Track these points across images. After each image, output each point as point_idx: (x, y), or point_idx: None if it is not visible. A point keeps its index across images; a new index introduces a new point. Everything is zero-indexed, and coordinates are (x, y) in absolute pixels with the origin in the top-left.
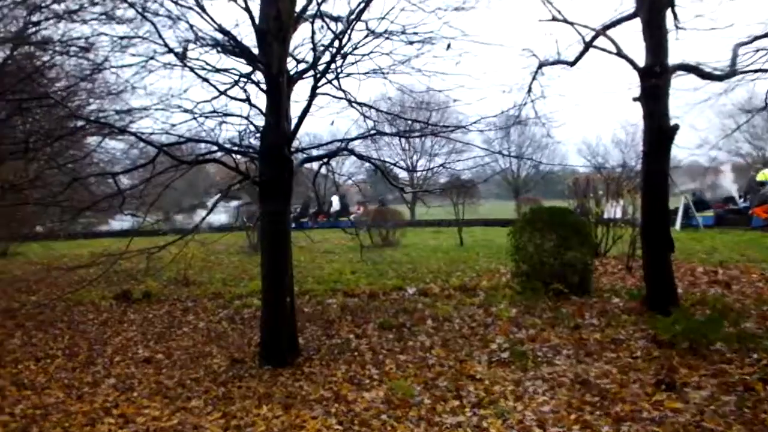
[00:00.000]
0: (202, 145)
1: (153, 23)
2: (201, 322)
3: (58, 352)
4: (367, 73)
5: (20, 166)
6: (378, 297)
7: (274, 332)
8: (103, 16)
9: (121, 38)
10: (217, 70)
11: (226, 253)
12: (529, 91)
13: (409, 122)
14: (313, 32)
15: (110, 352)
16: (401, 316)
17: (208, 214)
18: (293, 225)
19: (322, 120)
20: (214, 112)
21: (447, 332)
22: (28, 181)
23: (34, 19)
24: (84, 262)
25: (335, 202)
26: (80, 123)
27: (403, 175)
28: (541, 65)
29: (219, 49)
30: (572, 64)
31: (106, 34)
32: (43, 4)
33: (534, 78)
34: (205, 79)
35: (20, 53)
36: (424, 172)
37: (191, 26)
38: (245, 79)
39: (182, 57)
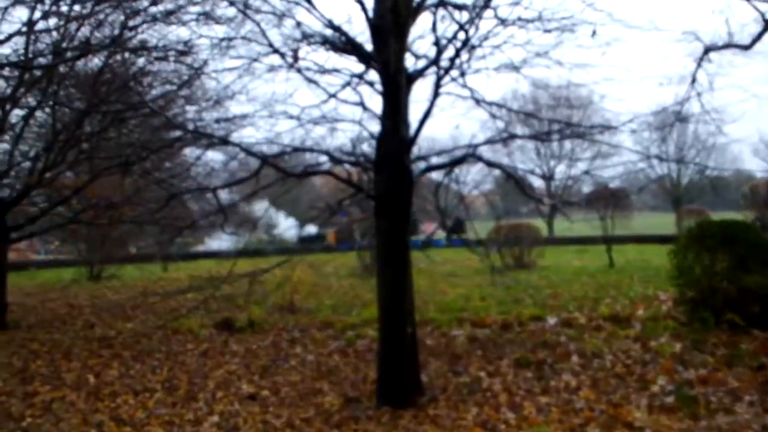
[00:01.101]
0: (307, 155)
1: (256, 22)
2: (310, 355)
3: (157, 385)
4: (498, 68)
5: (114, 182)
6: (512, 328)
7: (393, 368)
8: (202, 17)
9: (221, 40)
10: (327, 71)
11: (336, 276)
12: (693, 81)
13: (546, 122)
14: (435, 23)
15: (212, 386)
16: (541, 350)
17: (319, 234)
18: (351, 245)
19: (442, 123)
20: (323, 117)
21: (597, 370)
22: (125, 198)
23: (131, 23)
24: (183, 286)
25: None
26: (178, 133)
27: (538, 183)
28: (707, 50)
29: (329, 47)
30: (748, 47)
31: (206, 36)
32: (140, 7)
33: (699, 66)
34: (314, 81)
35: (115, 60)
36: (564, 181)
37: (298, 23)
38: (358, 80)
39: (294, 59)
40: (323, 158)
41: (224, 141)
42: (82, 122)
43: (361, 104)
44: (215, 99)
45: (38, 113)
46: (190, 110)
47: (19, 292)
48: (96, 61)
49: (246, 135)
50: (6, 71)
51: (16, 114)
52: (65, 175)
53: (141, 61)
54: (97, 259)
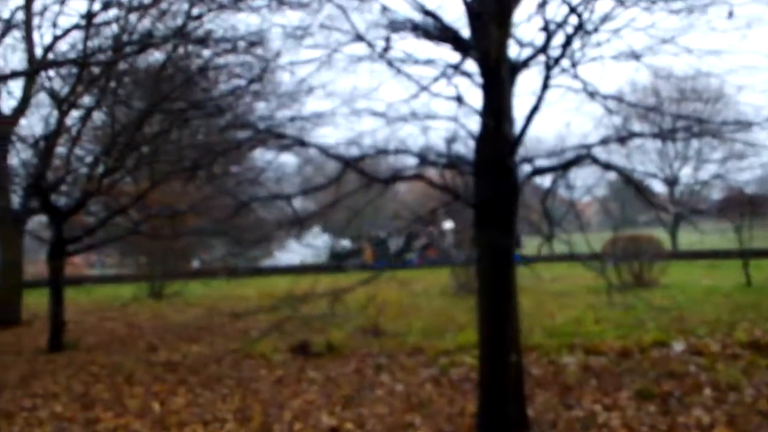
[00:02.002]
0: (390, 158)
1: (338, 5)
2: (398, 384)
3: (228, 415)
4: (616, 56)
5: (176, 189)
6: (632, 355)
7: (495, 400)
8: (274, 3)
9: (296, 28)
10: (419, 62)
11: (426, 294)
12: None
13: (671, 118)
14: (543, 5)
15: (288, 417)
16: (666, 381)
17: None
18: (390, 262)
19: (547, 120)
20: (412, 114)
21: (734, 405)
22: (189, 206)
23: (196, 11)
24: (256, 306)
25: (448, 230)
26: (247, 134)
27: (659, 188)
28: None
29: (420, 34)
30: None
31: (278, 25)
32: None
33: None
34: (404, 73)
35: (178, 54)
36: (690, 185)
37: (384, 8)
38: (453, 71)
39: (385, 48)
40: (411, 161)
41: (301, 142)
42: (143, 123)
43: (458, 99)
44: (289, 95)
45: (96, 114)
46: (260, 108)
47: (75, 309)
48: (158, 56)
49: (323, 135)
50: (63, 69)
51: (73, 116)
52: (125, 182)
53: (206, 54)
54: (158, 275)
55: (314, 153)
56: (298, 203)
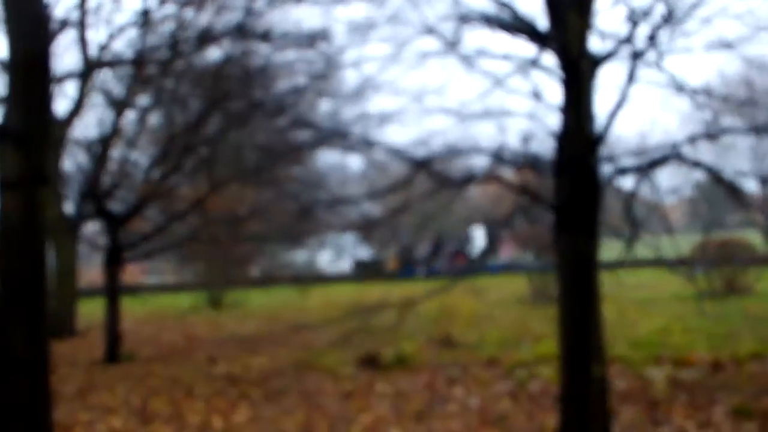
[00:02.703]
0: (462, 159)
1: None
2: (473, 398)
3: (293, 431)
4: (708, 46)
5: (234, 193)
6: (726, 368)
7: (577, 415)
8: None
9: (362, 23)
10: (492, 56)
11: (501, 303)
12: None
13: (766, 112)
14: None
15: None
16: (766, 397)
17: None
18: (415, 271)
19: (628, 116)
20: (486, 112)
21: None
22: (251, 211)
23: (256, 6)
24: (316, 315)
25: (478, 237)
26: (308, 134)
27: (753, 187)
28: None
29: (494, 26)
30: None
31: (343, 19)
32: None
33: None
34: (478, 68)
35: (237, 52)
36: None
37: None
38: (530, 66)
39: (457, 41)
40: (482, 162)
41: (369, 142)
42: (201, 124)
43: (536, 95)
44: (354, 93)
45: (151, 116)
46: (323, 107)
47: (131, 319)
48: (216, 54)
49: (390, 135)
50: (118, 69)
51: (128, 118)
52: (181, 186)
53: (266, 50)
54: (217, 283)
55: (379, 154)
56: (358, 208)
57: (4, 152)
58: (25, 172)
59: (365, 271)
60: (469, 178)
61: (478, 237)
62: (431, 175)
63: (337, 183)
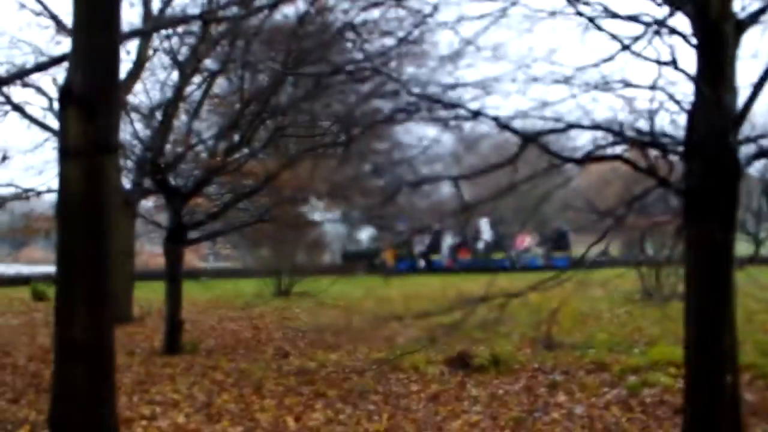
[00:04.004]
0: (570, 134)
1: None
2: (578, 406)
3: None
4: None
5: (305, 169)
6: None
7: (703, 429)
8: None
9: None
10: (616, 16)
11: (607, 300)
12: None
13: None
14: None
15: None
16: None
17: (370, 251)
18: (413, 264)
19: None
20: (604, 82)
21: None
22: (332, 189)
23: None
24: (397, 308)
25: (485, 229)
26: (393, 104)
27: None
28: None
29: None
30: None
31: None
32: None
33: None
34: (601, 30)
35: (317, 9)
36: None
37: None
38: (660, 29)
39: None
40: (601, 138)
41: (476, 113)
42: (275, 90)
43: (671, 62)
44: (449, 58)
45: (218, 82)
46: (412, 73)
47: (191, 306)
48: (292, 11)
49: (490, 106)
50: (182, 28)
51: (191, 83)
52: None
53: (347, 7)
54: (288, 269)
55: (469, 129)
56: (448, 189)
57: (67, 118)
58: (89, 140)
59: (356, 265)
60: (590, 156)
61: (485, 229)
62: (548, 152)
63: (420, 162)
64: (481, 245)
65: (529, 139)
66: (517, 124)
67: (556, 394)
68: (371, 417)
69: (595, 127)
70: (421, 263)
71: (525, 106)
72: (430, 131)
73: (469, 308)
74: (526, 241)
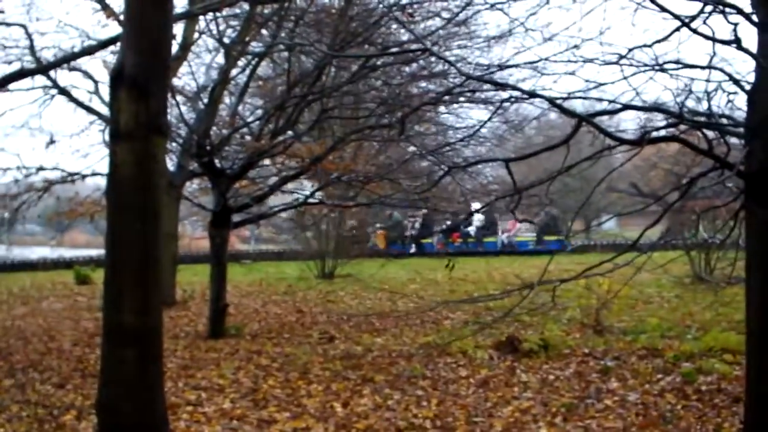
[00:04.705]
0: (620, 116)
1: None
2: (632, 393)
3: (426, 422)
4: None
5: (352, 151)
6: None
7: (765, 420)
8: None
9: None
10: None
11: (656, 284)
12: None
13: None
14: None
15: (498, 428)
16: None
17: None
18: (405, 248)
19: None
20: (656, 62)
21: None
22: (381, 171)
23: None
24: (443, 291)
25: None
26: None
27: None
28: None
29: None
30: None
31: None
32: None
33: None
34: (659, 6)
35: None
36: None
37: None
38: (714, 6)
39: None
40: (660, 120)
41: (531, 94)
42: (321, 72)
43: (735, 41)
44: (497, 39)
45: (263, 64)
46: (458, 54)
47: (234, 290)
48: None
49: (537, 87)
50: (228, 11)
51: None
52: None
53: None
54: (333, 252)
55: (513, 111)
56: (492, 172)
57: (118, 100)
58: (140, 122)
59: (347, 248)
60: (647, 137)
61: (477, 215)
62: (603, 132)
63: (465, 144)
64: (472, 230)
65: (584, 119)
66: (567, 105)
67: (608, 380)
68: (420, 403)
69: (652, 108)
70: (412, 247)
71: (574, 87)
72: (475, 114)
73: (520, 293)
74: (516, 225)
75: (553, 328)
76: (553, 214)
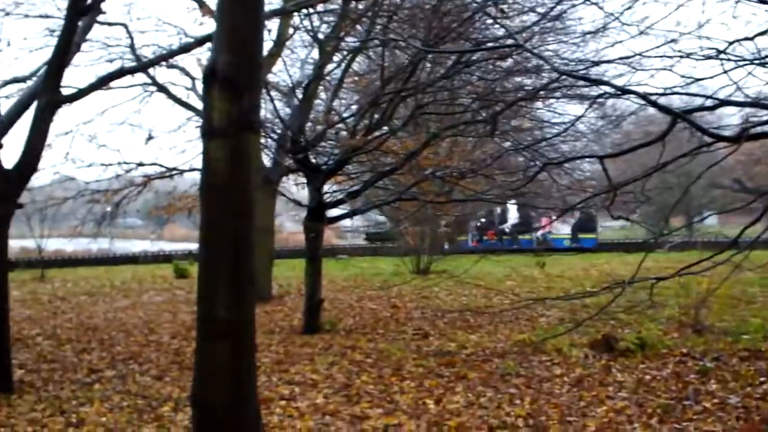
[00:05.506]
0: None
1: None
2: (732, 396)
3: (518, 421)
4: None
5: (447, 147)
6: None
7: None
8: None
9: None
10: None
11: (759, 284)
12: None
13: None
14: None
15: (592, 428)
16: None
17: (389, 231)
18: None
19: None
20: (757, 58)
21: None
22: (477, 166)
23: None
24: (540, 288)
25: (511, 212)
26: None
27: None
28: None
29: None
30: None
31: None
32: None
33: None
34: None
35: None
36: None
37: None
38: None
39: None
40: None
41: (624, 90)
42: (416, 68)
43: None
44: (591, 31)
45: (357, 59)
46: (552, 50)
47: (329, 285)
48: None
49: (632, 83)
50: (323, 6)
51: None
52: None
53: None
54: (427, 248)
55: (610, 107)
56: (588, 167)
57: (211, 98)
58: (232, 120)
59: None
60: (747, 134)
61: (511, 213)
62: (697, 128)
63: (561, 139)
64: (507, 227)
65: (679, 116)
66: (663, 101)
67: (707, 381)
68: (513, 401)
69: (751, 103)
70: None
71: (672, 82)
72: (571, 108)
73: (618, 291)
74: (552, 223)
75: (651, 327)
76: (589, 213)
